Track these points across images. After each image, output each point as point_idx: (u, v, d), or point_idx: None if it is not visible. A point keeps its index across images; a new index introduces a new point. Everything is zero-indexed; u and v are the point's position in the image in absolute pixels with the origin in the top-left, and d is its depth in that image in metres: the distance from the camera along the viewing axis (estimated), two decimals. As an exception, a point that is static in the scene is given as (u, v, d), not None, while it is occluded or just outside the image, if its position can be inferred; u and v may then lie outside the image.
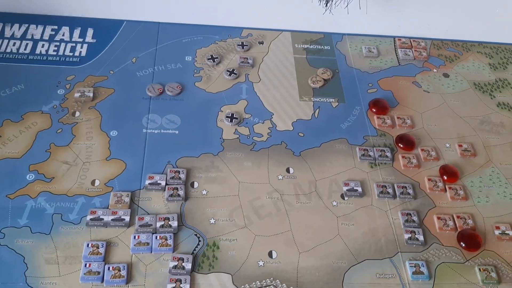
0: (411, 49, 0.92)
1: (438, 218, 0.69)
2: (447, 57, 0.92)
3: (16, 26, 0.86)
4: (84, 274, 0.59)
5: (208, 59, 0.85)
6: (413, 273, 0.63)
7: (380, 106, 0.81)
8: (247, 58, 0.86)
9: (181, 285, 0.59)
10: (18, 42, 0.83)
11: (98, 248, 0.61)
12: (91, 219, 0.63)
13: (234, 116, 0.77)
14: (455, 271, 0.64)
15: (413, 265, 0.64)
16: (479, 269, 0.64)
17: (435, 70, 0.89)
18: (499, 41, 0.97)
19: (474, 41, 0.96)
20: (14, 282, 0.58)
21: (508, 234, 0.68)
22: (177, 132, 0.74)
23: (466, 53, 0.93)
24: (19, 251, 0.60)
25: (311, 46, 0.91)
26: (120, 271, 0.59)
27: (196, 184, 0.69)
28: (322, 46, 0.91)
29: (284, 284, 0.61)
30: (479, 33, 0.95)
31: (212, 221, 0.66)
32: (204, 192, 0.68)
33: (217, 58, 0.85)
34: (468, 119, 0.82)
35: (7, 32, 0.84)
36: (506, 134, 0.81)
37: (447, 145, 0.78)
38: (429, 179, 0.73)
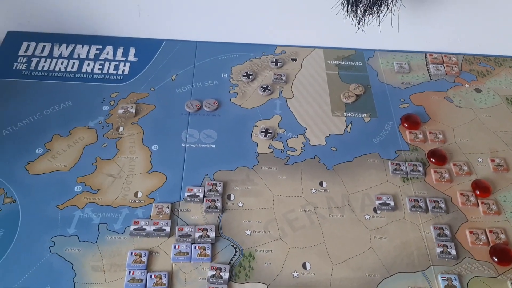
0: (443, 65, 0.93)
1: (471, 232, 0.70)
2: (479, 72, 0.93)
3: (64, 46, 0.91)
4: (128, 281, 0.62)
5: (243, 76, 0.88)
6: (445, 286, 0.64)
7: (412, 121, 0.82)
8: (280, 75, 0.89)
9: (219, 294, 0.62)
10: (66, 61, 0.89)
11: (141, 256, 0.64)
12: (134, 229, 0.67)
13: (269, 131, 0.80)
14: (488, 285, 0.65)
15: (446, 278, 0.65)
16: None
17: (467, 85, 0.90)
18: (533, 55, 0.97)
19: (506, 56, 0.96)
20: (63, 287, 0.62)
21: (542, 249, 0.68)
22: (214, 146, 0.78)
23: (498, 68, 0.94)
24: (68, 258, 0.64)
25: (343, 62, 0.93)
26: (161, 279, 0.62)
27: (232, 197, 0.72)
28: (354, 62, 0.93)
29: (318, 295, 0.63)
30: (511, 48, 0.96)
31: (248, 232, 0.68)
32: (240, 204, 0.71)
33: (251, 75, 0.88)
34: (501, 134, 0.83)
35: (56, 52, 0.90)
36: (540, 149, 0.81)
37: (480, 159, 0.79)
38: (461, 194, 0.74)
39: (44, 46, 0.91)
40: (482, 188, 0.74)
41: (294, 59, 0.93)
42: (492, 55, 0.96)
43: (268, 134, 0.79)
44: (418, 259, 0.67)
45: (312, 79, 0.90)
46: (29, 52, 0.89)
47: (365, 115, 0.84)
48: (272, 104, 0.85)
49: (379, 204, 0.72)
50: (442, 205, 0.72)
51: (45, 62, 0.88)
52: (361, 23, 0.84)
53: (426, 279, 0.65)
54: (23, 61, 0.88)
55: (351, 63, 0.93)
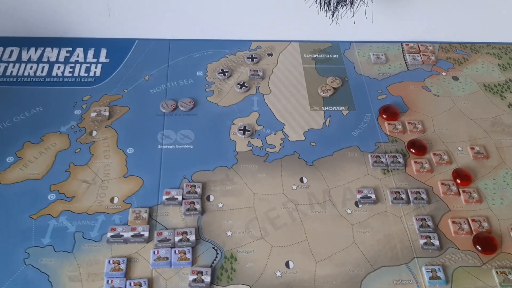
0: (419, 54, 0.93)
1: (453, 222, 0.69)
2: (456, 60, 0.93)
3: (33, 49, 0.88)
4: (107, 290, 0.60)
5: (219, 73, 0.87)
6: (430, 278, 0.63)
7: (390, 112, 0.82)
8: (257, 71, 0.87)
9: (201, 298, 0.60)
10: (35, 66, 0.86)
11: (119, 264, 0.63)
12: (111, 236, 0.65)
13: (247, 128, 0.78)
14: (472, 274, 0.65)
15: (430, 270, 0.64)
16: (497, 272, 0.64)
17: (444, 74, 0.90)
18: (508, 41, 0.97)
19: (482, 42, 0.96)
20: (40, 300, 0.60)
21: (525, 235, 0.68)
22: (191, 146, 0.76)
23: (475, 55, 0.94)
24: (43, 269, 0.62)
25: (320, 56, 0.92)
26: (141, 286, 0.61)
27: (212, 198, 0.70)
28: (330, 55, 0.92)
29: (302, 294, 0.62)
30: (487, 34, 0.96)
31: (229, 233, 0.67)
32: (220, 205, 0.70)
33: (227, 71, 0.87)
34: (480, 121, 0.83)
35: (24, 56, 0.87)
36: (519, 134, 0.81)
37: (459, 148, 0.78)
38: (442, 183, 0.73)
39: (12, 51, 0.88)
40: (463, 177, 0.74)
41: (270, 54, 0.92)
42: (468, 42, 0.96)
43: (246, 132, 0.78)
44: (402, 252, 0.66)
45: (289, 74, 0.88)
46: (-4, 58, 0.86)
47: (343, 108, 0.83)
48: (250, 101, 0.84)
49: (361, 197, 0.71)
50: (424, 196, 0.72)
51: (13, 67, 0.85)
52: (335, 15, 0.83)
53: (410, 272, 0.64)
54: (-10, 67, 0.85)
55: (328, 56, 0.92)
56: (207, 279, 0.62)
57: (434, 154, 0.77)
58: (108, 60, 0.88)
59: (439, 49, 0.95)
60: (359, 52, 0.93)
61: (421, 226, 0.69)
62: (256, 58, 0.90)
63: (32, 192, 0.69)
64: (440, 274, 0.64)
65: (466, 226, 0.69)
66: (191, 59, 0.89)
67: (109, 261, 0.63)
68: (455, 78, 0.89)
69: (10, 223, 0.66)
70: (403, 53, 0.93)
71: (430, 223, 0.69)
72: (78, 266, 0.63)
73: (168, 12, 0.89)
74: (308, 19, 0.89)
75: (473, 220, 0.69)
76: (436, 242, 0.67)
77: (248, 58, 0.90)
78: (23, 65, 0.86)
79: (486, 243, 0.67)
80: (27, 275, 0.61)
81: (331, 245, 0.67)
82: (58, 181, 0.71)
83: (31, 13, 0.88)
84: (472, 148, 0.78)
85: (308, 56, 0.92)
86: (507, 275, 0.64)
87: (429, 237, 0.67)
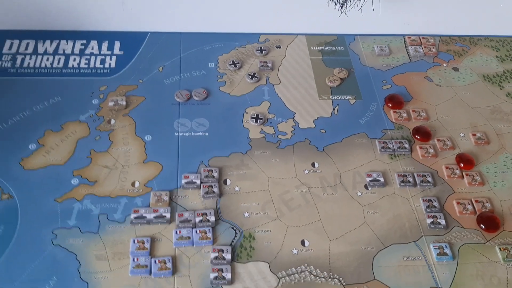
0: (421, 46, 0.97)
1: (458, 203, 0.73)
2: (456, 52, 0.97)
3: (48, 42, 0.91)
4: (133, 268, 0.63)
5: (230, 64, 0.90)
6: (438, 254, 0.67)
7: (395, 101, 0.85)
8: (266, 62, 0.91)
9: (223, 274, 0.63)
10: (51, 57, 0.88)
11: (144, 243, 0.66)
12: (135, 218, 0.68)
13: (259, 116, 0.82)
14: (477, 251, 0.68)
15: (437, 247, 0.68)
16: (500, 248, 0.68)
17: (445, 65, 0.94)
18: (505, 34, 1.01)
19: (480, 36, 1.01)
20: (70, 277, 0.62)
21: (525, 215, 0.73)
22: (207, 134, 0.79)
23: (474, 47, 0.98)
24: (71, 249, 0.65)
25: (326, 48, 0.96)
26: (166, 263, 0.64)
27: (228, 182, 0.74)
28: (336, 47, 0.96)
29: (318, 269, 0.65)
30: (485, 28, 1.00)
31: (246, 214, 0.70)
32: (237, 188, 0.73)
33: (238, 63, 0.90)
34: (480, 109, 0.87)
35: (40, 49, 0.90)
36: (517, 122, 0.85)
37: (462, 134, 0.82)
38: (446, 167, 0.77)
39: (28, 43, 0.90)
40: (465, 161, 0.78)
41: (278, 47, 0.95)
42: (467, 35, 1.00)
43: (258, 120, 0.81)
44: (410, 231, 0.70)
45: (297, 65, 0.92)
46: (13, 50, 0.89)
47: (351, 97, 0.87)
48: (260, 90, 0.87)
49: (370, 181, 0.75)
50: (430, 179, 0.75)
51: (30, 59, 0.88)
52: (343, 7, 0.86)
53: (419, 249, 0.68)
54: (8, 59, 0.87)
55: (334, 48, 0.96)
56: (228, 256, 0.65)
57: (438, 140, 0.81)
58: (122, 52, 0.91)
59: (439, 41, 0.99)
60: (364, 45, 0.97)
61: (428, 206, 0.72)
62: (265, 50, 0.93)
63: (56, 177, 0.72)
64: (447, 250, 0.68)
65: (470, 207, 0.73)
66: (202, 51, 0.93)
67: (134, 241, 0.66)
68: (455, 69, 0.93)
69: (35, 207, 0.69)
70: (405, 46, 0.97)
71: (436, 203, 0.73)
72: (104, 246, 0.65)
73: (179, 6, 0.92)
74: (314, 13, 0.93)
75: (476, 201, 0.73)
76: (443, 221, 0.71)
77: (257, 50, 0.93)
78: (39, 57, 0.88)
79: (489, 222, 0.71)
80: (55, 254, 0.64)
81: (344, 225, 0.70)
82: (80, 166, 0.73)
83: (46, 7, 0.90)
84: (474, 135, 0.82)
85: (314, 49, 0.95)
86: (509, 251, 0.68)
87: (436, 216, 0.71)
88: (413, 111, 0.85)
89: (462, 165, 0.77)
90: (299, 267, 0.65)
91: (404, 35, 0.99)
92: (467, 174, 0.77)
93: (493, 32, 1.01)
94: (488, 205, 0.73)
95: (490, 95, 0.89)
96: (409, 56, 0.95)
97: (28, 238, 0.65)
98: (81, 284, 0.62)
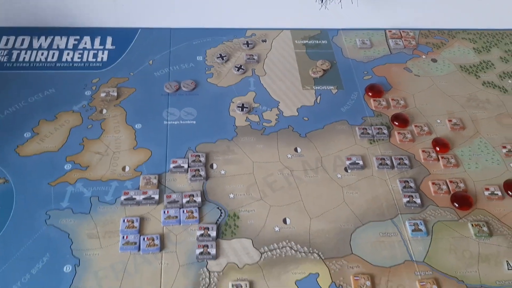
0: (401, 39, 1.01)
1: (433, 183, 0.77)
2: (435, 45, 1.01)
3: (43, 38, 0.95)
4: (123, 244, 0.67)
5: (217, 57, 0.94)
6: (413, 230, 0.71)
7: (375, 90, 0.89)
8: (252, 55, 0.95)
9: (208, 250, 0.67)
10: (45, 52, 0.92)
11: (133, 223, 0.69)
12: (125, 199, 0.71)
13: (245, 105, 0.85)
14: (450, 227, 0.72)
15: (412, 224, 0.71)
16: (472, 225, 0.72)
17: (424, 57, 0.98)
18: (482, 27, 1.05)
19: (458, 29, 1.05)
20: (62, 254, 0.66)
21: (497, 194, 0.76)
22: (194, 122, 0.83)
23: (452, 40, 1.02)
24: (63, 229, 0.68)
25: (310, 42, 1.00)
26: (154, 240, 0.67)
27: (215, 166, 0.77)
28: (319, 41, 1.00)
29: (298, 245, 0.69)
30: (463, 21, 1.04)
31: (231, 196, 0.74)
32: (223, 172, 0.76)
33: (225, 56, 0.94)
34: (456, 97, 0.90)
35: (35, 44, 0.93)
36: (492, 109, 0.89)
37: (438, 121, 0.86)
38: (423, 151, 0.81)
39: (23, 39, 0.94)
40: (441, 145, 0.81)
41: (264, 41, 0.99)
42: (446, 29, 1.05)
43: (244, 109, 0.85)
44: (387, 209, 0.74)
45: (282, 58, 0.96)
46: (9, 45, 0.93)
47: (333, 87, 0.91)
48: (246, 81, 0.91)
49: (349, 164, 0.78)
50: (407, 162, 0.79)
51: (25, 54, 0.92)
52: (323, 1, 0.90)
53: (395, 225, 0.72)
54: (4, 54, 0.91)
55: (317, 42, 1.00)
56: (213, 233, 0.68)
57: (416, 126, 0.85)
58: (114, 47, 0.95)
59: (419, 35, 1.03)
60: (346, 38, 1.01)
61: (404, 187, 0.76)
62: (252, 44, 0.97)
63: (49, 163, 0.75)
64: (422, 227, 0.71)
65: (444, 187, 0.76)
66: (191, 46, 0.97)
67: (123, 220, 0.69)
68: (434, 60, 0.97)
69: (30, 190, 0.72)
70: (386, 39, 1.01)
71: (412, 184, 0.76)
72: (95, 225, 0.69)
73: (169, 3, 0.96)
74: (299, 8, 0.97)
75: (450, 182, 0.77)
76: (418, 200, 0.74)
77: (244, 44, 0.97)
78: (34, 51, 0.92)
79: (463, 200, 0.74)
80: (48, 233, 0.68)
81: (324, 204, 0.74)
82: (73, 153, 0.77)
83: (41, 5, 0.94)
84: (450, 121, 0.86)
85: (299, 42, 0.99)
86: (481, 227, 0.71)
87: (412, 196, 0.75)
88: (392, 99, 0.89)
89: (438, 149, 0.81)
90: (280, 243, 0.69)
91: (385, 29, 1.03)
92: (442, 157, 0.80)
93: (470, 25, 1.05)
94: (462, 185, 0.77)
95: (467, 84, 0.93)
96: (389, 48, 0.99)
97: (23, 219, 0.69)
98: (73, 260, 0.65)
